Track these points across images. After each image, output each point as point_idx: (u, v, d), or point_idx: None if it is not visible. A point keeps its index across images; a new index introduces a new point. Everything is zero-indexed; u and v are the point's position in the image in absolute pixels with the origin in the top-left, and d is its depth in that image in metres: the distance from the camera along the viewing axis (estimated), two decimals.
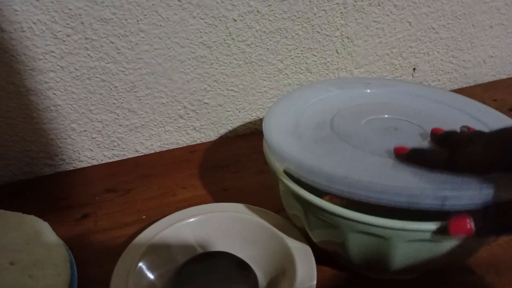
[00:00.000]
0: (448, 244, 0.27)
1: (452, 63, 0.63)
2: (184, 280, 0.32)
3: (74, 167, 0.50)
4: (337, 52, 0.55)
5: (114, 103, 0.47)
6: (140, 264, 0.32)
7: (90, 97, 0.46)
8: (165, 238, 0.34)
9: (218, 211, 0.37)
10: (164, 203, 0.43)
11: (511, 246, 0.36)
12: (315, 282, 0.30)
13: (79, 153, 0.49)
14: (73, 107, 0.46)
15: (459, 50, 0.62)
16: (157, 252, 0.34)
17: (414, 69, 0.62)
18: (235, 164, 0.49)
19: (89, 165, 0.50)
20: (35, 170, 0.48)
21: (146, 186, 0.46)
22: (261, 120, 0.56)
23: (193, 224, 0.36)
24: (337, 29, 0.53)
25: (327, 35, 0.53)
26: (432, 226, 0.26)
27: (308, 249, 0.33)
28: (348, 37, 0.55)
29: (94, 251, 0.38)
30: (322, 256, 0.34)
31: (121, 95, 0.47)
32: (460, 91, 0.65)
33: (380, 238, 0.27)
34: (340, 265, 0.35)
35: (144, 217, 0.42)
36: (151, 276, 0.32)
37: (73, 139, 0.48)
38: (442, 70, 0.63)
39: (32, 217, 0.35)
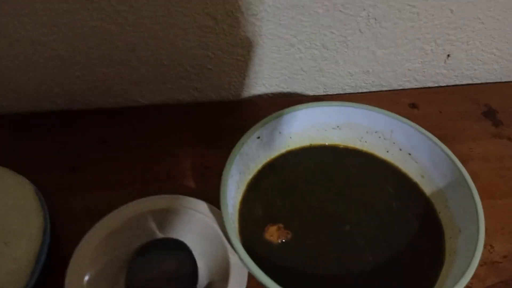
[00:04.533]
0: None
1: (494, 54, 0.57)
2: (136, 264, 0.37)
3: (78, 107, 0.53)
4: (361, 32, 0.51)
5: (116, 60, 0.48)
6: (96, 252, 0.37)
7: (93, 52, 0.47)
8: (124, 225, 0.38)
9: (181, 207, 0.40)
10: (146, 170, 0.46)
11: None
12: None
13: (83, 97, 0.52)
14: (76, 59, 0.47)
15: (505, 42, 0.55)
16: (115, 238, 0.38)
17: (448, 55, 0.56)
18: (225, 138, 0.50)
19: (92, 108, 0.53)
20: (43, 105, 0.52)
21: (136, 144, 0.49)
22: (266, 88, 0.55)
23: (156, 213, 0.40)
24: (364, 9, 0.48)
25: (351, 15, 0.49)
26: None
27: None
28: (375, 19, 0.50)
29: (74, 208, 0.43)
30: None
31: (123, 53, 0.48)
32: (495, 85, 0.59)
33: None
34: None
35: (126, 182, 0.45)
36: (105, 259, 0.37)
37: (77, 84, 0.50)
38: (480, 60, 0.57)
39: (20, 179, 0.40)
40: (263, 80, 0.54)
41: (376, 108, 0.40)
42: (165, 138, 0.50)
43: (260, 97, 0.56)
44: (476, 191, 0.34)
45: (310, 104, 0.41)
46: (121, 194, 0.44)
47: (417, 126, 0.39)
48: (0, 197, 0.38)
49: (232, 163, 0.36)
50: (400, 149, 0.40)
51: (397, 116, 0.40)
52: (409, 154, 0.40)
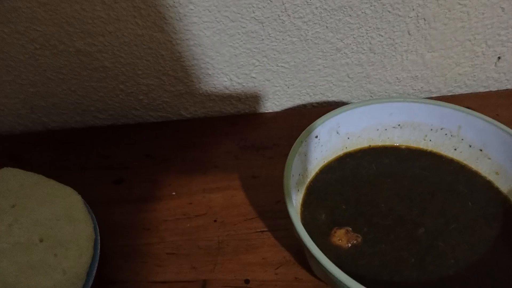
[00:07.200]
0: None
1: None
2: None
3: (122, 122, 0.52)
4: (409, 34, 0.49)
5: (160, 70, 0.47)
6: None
7: (137, 62, 0.46)
8: None
9: None
10: (193, 181, 0.44)
11: None
12: None
13: (126, 111, 0.51)
14: (120, 70, 0.47)
15: None
16: None
17: (499, 58, 0.54)
18: (272, 148, 0.48)
19: (135, 122, 0.52)
20: (86, 121, 0.51)
21: (182, 156, 0.47)
22: (310, 97, 0.53)
23: None
24: (413, 9, 0.47)
25: (399, 15, 0.47)
26: None
27: None
28: (424, 19, 0.48)
29: (121, 221, 0.41)
30: None
31: (168, 63, 0.47)
32: None
33: None
34: None
35: (173, 193, 0.43)
36: None
37: (121, 98, 0.49)
38: None
39: (68, 190, 0.38)
40: (308, 89, 0.52)
41: (441, 102, 0.38)
42: (210, 150, 0.48)
43: (304, 106, 0.54)
44: None
45: (369, 100, 0.38)
46: (168, 206, 0.42)
47: (490, 119, 0.36)
48: (48, 208, 0.36)
49: (292, 162, 0.33)
50: (470, 146, 0.38)
51: (465, 109, 0.37)
52: (481, 150, 0.37)
